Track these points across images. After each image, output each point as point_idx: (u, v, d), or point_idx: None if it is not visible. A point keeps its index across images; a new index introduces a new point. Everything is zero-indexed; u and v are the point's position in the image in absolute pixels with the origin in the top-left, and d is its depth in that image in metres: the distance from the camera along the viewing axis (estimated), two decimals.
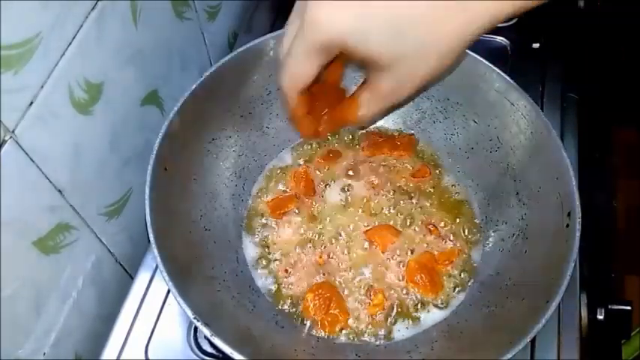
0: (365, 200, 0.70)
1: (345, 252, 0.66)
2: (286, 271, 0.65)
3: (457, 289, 0.64)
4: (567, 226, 0.56)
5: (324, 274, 0.64)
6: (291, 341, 0.60)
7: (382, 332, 0.62)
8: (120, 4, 0.62)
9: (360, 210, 0.69)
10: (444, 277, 0.65)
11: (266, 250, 0.66)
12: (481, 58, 0.66)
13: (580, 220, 0.56)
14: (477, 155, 0.70)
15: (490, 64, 0.66)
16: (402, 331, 0.62)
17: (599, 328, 0.68)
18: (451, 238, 0.67)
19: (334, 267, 0.65)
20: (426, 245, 0.67)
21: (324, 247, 0.66)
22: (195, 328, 0.64)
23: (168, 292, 0.65)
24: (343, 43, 0.41)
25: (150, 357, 0.63)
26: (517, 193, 0.65)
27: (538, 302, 0.53)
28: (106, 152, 0.65)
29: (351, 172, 0.72)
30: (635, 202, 1.36)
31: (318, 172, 0.72)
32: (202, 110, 0.64)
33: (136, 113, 0.70)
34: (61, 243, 0.60)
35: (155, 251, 0.53)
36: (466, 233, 0.68)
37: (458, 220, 0.68)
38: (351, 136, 0.75)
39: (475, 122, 0.69)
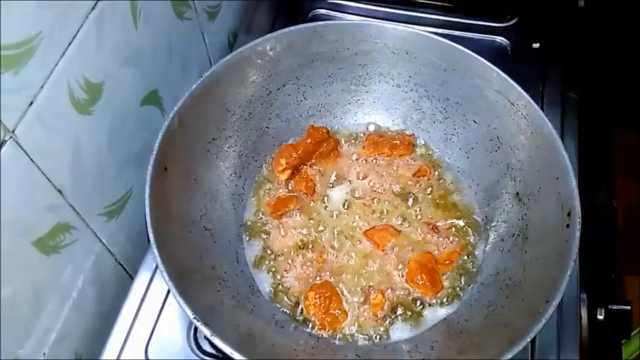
0: (365, 200, 0.70)
1: (345, 252, 0.66)
2: (286, 271, 0.65)
3: (457, 289, 0.64)
4: (567, 226, 0.56)
5: (324, 274, 0.64)
6: (291, 341, 0.60)
7: (382, 332, 0.62)
8: (120, 4, 0.62)
9: (360, 210, 0.69)
10: (444, 277, 0.65)
11: (266, 250, 0.66)
12: (481, 58, 0.66)
13: (580, 220, 0.56)
14: (477, 155, 0.70)
15: (490, 64, 0.66)
16: (402, 330, 0.62)
17: (599, 328, 0.68)
18: (451, 238, 0.67)
19: (334, 267, 0.65)
20: (426, 245, 0.67)
21: (324, 247, 0.66)
22: (195, 328, 0.64)
23: (168, 292, 0.65)
24: None
25: (150, 357, 0.63)
26: (517, 193, 0.65)
27: (538, 302, 0.53)
28: (105, 152, 0.65)
29: (351, 172, 0.72)
30: (635, 202, 1.36)
31: (318, 172, 0.72)
32: (202, 110, 0.64)
33: (136, 113, 0.70)
34: (61, 243, 0.60)
35: (155, 251, 0.53)
36: (466, 233, 0.68)
37: (458, 220, 0.68)
38: (351, 136, 0.75)
39: (475, 122, 0.69)
